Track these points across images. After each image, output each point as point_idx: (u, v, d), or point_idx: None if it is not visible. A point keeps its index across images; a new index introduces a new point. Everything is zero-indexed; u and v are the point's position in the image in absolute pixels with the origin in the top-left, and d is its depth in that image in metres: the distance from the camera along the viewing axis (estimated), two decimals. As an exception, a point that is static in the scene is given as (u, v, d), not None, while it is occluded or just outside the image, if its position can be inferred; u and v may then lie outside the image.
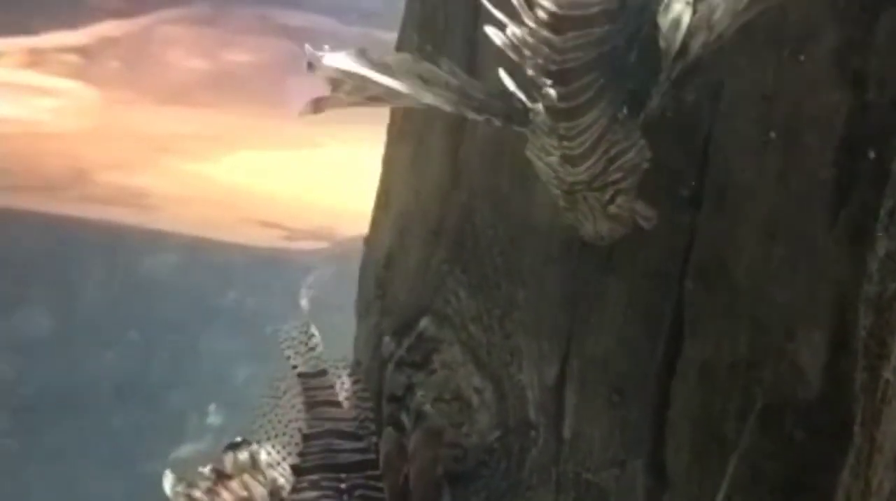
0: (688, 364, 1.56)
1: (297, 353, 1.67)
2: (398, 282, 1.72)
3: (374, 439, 1.64)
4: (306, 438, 1.63)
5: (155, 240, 4.57)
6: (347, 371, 1.68)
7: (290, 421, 1.66)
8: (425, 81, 1.48)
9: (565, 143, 1.43)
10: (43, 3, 5.74)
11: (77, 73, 5.55)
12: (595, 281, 1.61)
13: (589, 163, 1.44)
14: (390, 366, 1.70)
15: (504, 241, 1.65)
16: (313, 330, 1.66)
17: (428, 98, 1.47)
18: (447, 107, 1.48)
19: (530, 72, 1.41)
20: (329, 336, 1.71)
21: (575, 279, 1.62)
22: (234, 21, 5.92)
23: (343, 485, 1.61)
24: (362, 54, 1.46)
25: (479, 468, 1.66)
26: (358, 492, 1.61)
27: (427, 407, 1.68)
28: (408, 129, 1.71)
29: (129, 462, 3.59)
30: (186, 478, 1.62)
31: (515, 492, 1.65)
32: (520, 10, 1.39)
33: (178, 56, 5.80)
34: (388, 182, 1.75)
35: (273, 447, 1.65)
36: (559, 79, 1.40)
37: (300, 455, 1.63)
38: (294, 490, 1.62)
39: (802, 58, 1.49)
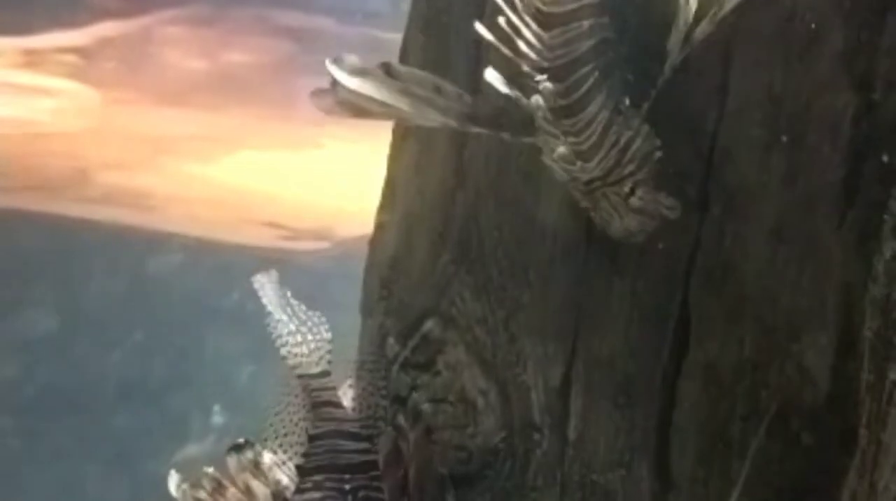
0: (693, 365, 1.56)
1: (295, 354, 1.67)
2: (403, 283, 1.72)
3: (392, 439, 1.63)
4: (310, 439, 1.63)
5: (157, 241, 4.57)
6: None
7: (295, 422, 1.65)
8: (431, 98, 1.49)
9: (572, 140, 1.43)
10: (41, 3, 5.74)
11: (76, 74, 5.55)
12: (601, 283, 1.61)
13: (600, 156, 1.45)
14: (395, 367, 1.70)
15: (509, 243, 1.65)
16: (322, 329, 1.66)
17: (434, 115, 1.48)
18: (453, 124, 1.49)
19: (526, 68, 1.42)
20: (333, 336, 1.71)
21: (580, 281, 1.62)
22: (233, 21, 5.92)
23: (347, 486, 1.60)
24: (366, 73, 1.48)
25: (484, 469, 1.66)
26: (362, 493, 1.60)
27: (425, 407, 1.68)
28: (413, 130, 1.70)
29: (133, 462, 3.59)
30: (191, 478, 1.62)
31: (520, 494, 1.65)
32: (507, 9, 1.40)
33: (177, 56, 5.79)
34: (393, 182, 1.74)
35: (278, 447, 1.64)
36: (554, 75, 1.41)
37: (304, 455, 1.63)
38: (298, 490, 1.61)
39: (808, 61, 1.49)
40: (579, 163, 1.44)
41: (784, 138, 1.51)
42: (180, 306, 4.20)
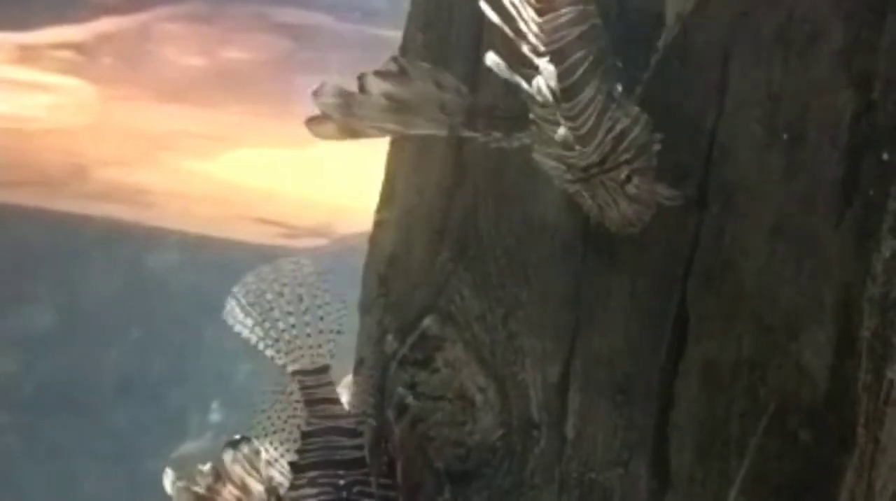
0: (692, 364, 1.56)
1: (287, 351, 1.66)
2: (402, 280, 1.72)
3: (380, 436, 1.63)
4: (305, 435, 1.63)
5: (155, 237, 4.57)
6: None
7: (288, 418, 1.65)
8: (429, 94, 1.51)
9: (570, 124, 1.44)
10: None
11: (73, 70, 5.55)
12: (599, 281, 1.61)
13: (597, 141, 1.46)
14: (393, 364, 1.70)
15: (508, 240, 1.65)
16: (327, 322, 1.65)
17: (425, 123, 1.52)
18: (442, 132, 1.52)
19: (526, 50, 1.43)
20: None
21: (579, 278, 1.62)
22: (230, 18, 5.92)
23: (342, 482, 1.60)
24: (349, 96, 1.52)
25: (482, 467, 1.66)
26: (356, 489, 1.60)
27: (410, 400, 1.68)
28: (412, 127, 1.70)
29: (130, 458, 3.59)
30: (187, 475, 1.62)
31: (518, 491, 1.65)
32: None
33: (175, 53, 5.79)
34: (392, 180, 1.74)
35: (271, 444, 1.64)
36: (550, 59, 1.42)
37: (298, 451, 1.63)
38: (292, 486, 1.61)
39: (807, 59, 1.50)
40: (577, 148, 1.45)
41: (783, 136, 1.51)
42: (178, 302, 4.21)
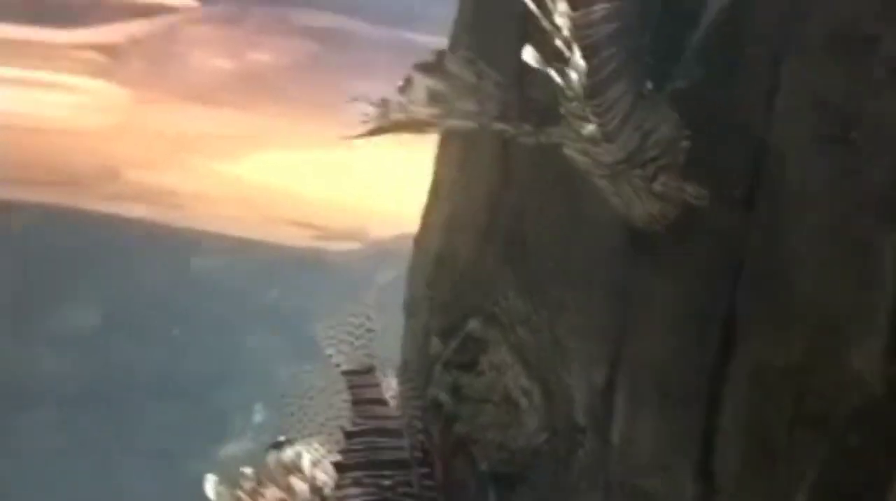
0: (739, 368, 1.55)
1: (340, 351, 1.66)
2: (447, 282, 1.71)
3: (420, 437, 1.63)
4: (350, 435, 1.63)
5: (190, 239, 4.58)
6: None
7: (332, 418, 1.65)
8: (473, 87, 1.51)
9: (597, 121, 1.45)
10: (66, 2, 5.76)
11: (102, 72, 5.57)
12: (645, 284, 1.60)
13: (624, 137, 1.46)
14: (438, 367, 1.70)
15: (554, 243, 1.64)
16: (367, 324, 1.65)
17: (452, 121, 1.52)
18: (472, 126, 1.52)
19: (559, 44, 1.43)
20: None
21: (625, 281, 1.61)
22: (256, 21, 5.94)
23: (386, 483, 1.60)
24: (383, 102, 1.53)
25: (526, 470, 1.65)
26: (401, 490, 1.60)
27: (445, 399, 1.67)
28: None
29: (173, 458, 3.60)
30: (229, 478, 1.62)
31: (562, 495, 1.64)
32: None
33: (202, 55, 5.81)
34: (438, 181, 1.74)
35: (316, 444, 1.64)
36: (581, 54, 1.43)
37: (343, 452, 1.63)
38: (337, 486, 1.61)
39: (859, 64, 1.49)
40: (604, 145, 1.45)
41: (833, 141, 1.50)
42: (218, 304, 4.21)
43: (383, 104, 1.55)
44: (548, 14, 1.43)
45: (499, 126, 1.53)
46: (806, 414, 1.52)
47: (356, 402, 1.63)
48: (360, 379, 1.64)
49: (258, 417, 3.71)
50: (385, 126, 1.56)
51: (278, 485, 1.59)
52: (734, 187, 1.54)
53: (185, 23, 5.90)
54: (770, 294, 1.53)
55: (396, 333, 1.77)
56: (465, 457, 1.65)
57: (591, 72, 1.43)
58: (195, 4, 5.93)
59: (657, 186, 1.48)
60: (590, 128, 1.44)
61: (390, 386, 1.69)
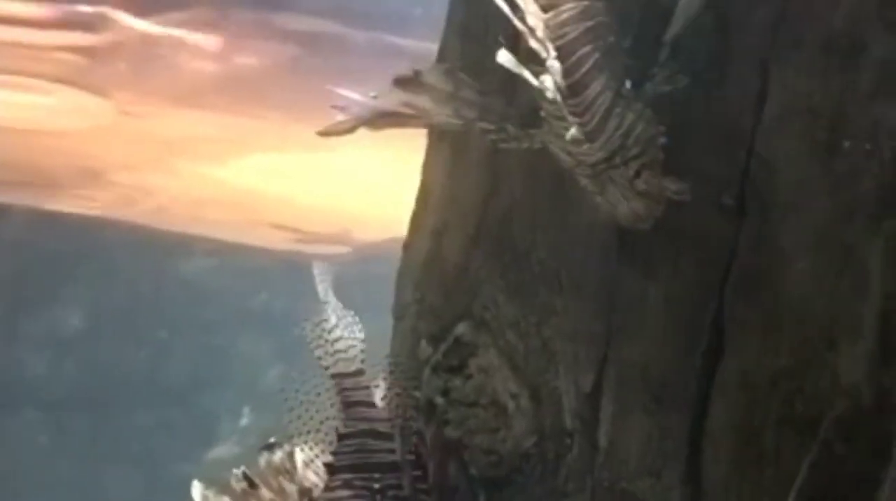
0: (727, 373, 1.56)
1: (327, 352, 1.66)
2: (436, 287, 1.72)
3: (409, 440, 1.63)
4: (341, 437, 1.63)
5: (173, 242, 4.57)
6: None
7: (323, 420, 1.65)
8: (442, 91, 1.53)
9: (577, 120, 1.46)
10: (47, 3, 5.73)
11: (80, 74, 5.54)
12: (634, 289, 1.60)
13: (604, 137, 1.48)
14: (427, 370, 1.70)
15: (542, 248, 1.65)
16: (355, 327, 1.66)
17: (439, 117, 1.52)
18: (456, 122, 1.53)
19: (534, 45, 1.44)
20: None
21: (613, 286, 1.62)
22: (237, 25, 5.92)
23: (376, 485, 1.60)
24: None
25: (515, 473, 1.66)
26: (391, 493, 1.60)
27: (439, 401, 1.68)
28: (448, 134, 1.70)
29: (158, 461, 3.59)
30: (217, 482, 1.62)
31: (551, 498, 1.65)
32: None
33: (184, 59, 5.79)
34: (427, 186, 1.75)
35: (307, 445, 1.64)
36: (556, 55, 1.44)
37: (334, 453, 1.63)
38: (327, 488, 1.61)
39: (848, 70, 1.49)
40: (586, 145, 1.46)
41: (821, 148, 1.51)
42: (203, 307, 4.20)
43: (361, 104, 1.55)
44: (520, 16, 1.45)
45: (482, 125, 1.54)
46: (793, 418, 1.53)
47: (346, 404, 1.63)
48: (349, 381, 1.64)
49: (245, 420, 3.70)
50: (365, 120, 1.56)
51: (270, 487, 1.59)
52: (724, 193, 1.55)
53: (168, 26, 5.88)
54: (758, 299, 1.54)
55: (384, 336, 1.78)
56: (455, 460, 1.65)
57: (566, 72, 1.44)
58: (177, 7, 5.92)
59: (640, 185, 1.49)
60: (571, 131, 1.45)
61: (379, 389, 1.69)
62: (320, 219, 4.77)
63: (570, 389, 1.64)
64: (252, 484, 1.59)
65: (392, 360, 1.70)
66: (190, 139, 5.22)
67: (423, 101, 1.53)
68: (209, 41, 5.82)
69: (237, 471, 1.61)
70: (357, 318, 1.67)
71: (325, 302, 1.67)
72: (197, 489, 1.61)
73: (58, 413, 4.03)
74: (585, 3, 1.47)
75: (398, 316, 1.75)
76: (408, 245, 1.76)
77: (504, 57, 1.44)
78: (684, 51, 1.51)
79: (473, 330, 1.68)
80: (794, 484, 1.52)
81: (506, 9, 1.44)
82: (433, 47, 1.77)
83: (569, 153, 1.50)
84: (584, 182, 1.51)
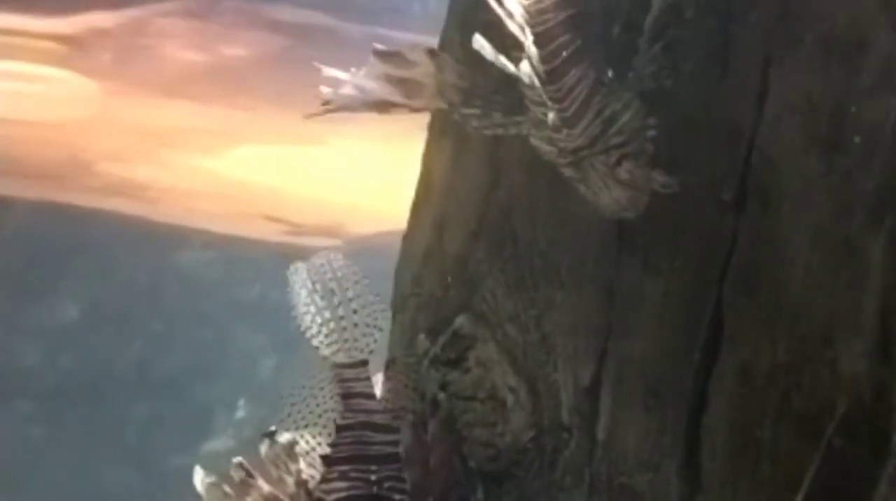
0: (725, 368, 1.56)
1: (328, 344, 1.65)
2: (435, 280, 1.72)
3: (421, 434, 1.63)
4: (339, 429, 1.62)
5: (167, 233, 4.56)
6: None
7: (321, 412, 1.65)
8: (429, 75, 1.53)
9: (557, 107, 1.46)
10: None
11: (67, 63, 5.52)
12: (633, 283, 1.61)
13: (584, 123, 1.48)
14: (425, 363, 1.70)
15: (542, 241, 1.65)
16: (373, 317, 1.65)
17: (423, 100, 1.53)
18: (444, 107, 1.53)
19: (512, 30, 1.45)
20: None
21: (613, 280, 1.62)
22: (224, 15, 5.91)
23: (373, 477, 1.60)
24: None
25: (513, 467, 1.66)
26: (387, 484, 1.60)
27: (442, 397, 1.68)
28: (449, 127, 1.70)
29: (153, 452, 3.59)
30: (216, 472, 1.62)
31: (548, 493, 1.65)
32: None
33: (172, 49, 5.77)
34: (427, 179, 1.75)
35: (305, 436, 1.64)
36: (535, 42, 1.44)
37: (331, 445, 1.62)
38: (323, 479, 1.61)
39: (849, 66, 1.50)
40: (565, 131, 1.47)
41: (822, 143, 1.51)
42: (198, 299, 4.19)
43: (344, 85, 1.55)
44: (500, 1, 1.45)
45: (468, 111, 1.54)
46: (792, 413, 1.53)
47: (346, 396, 1.63)
48: (351, 372, 1.63)
49: (240, 412, 3.70)
50: (349, 104, 1.56)
51: (269, 476, 1.59)
52: (724, 189, 1.55)
53: (152, 16, 5.87)
54: (758, 294, 1.54)
55: (381, 328, 1.77)
56: (457, 453, 1.65)
57: (546, 57, 1.44)
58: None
59: (622, 173, 1.49)
60: (550, 115, 1.46)
61: (378, 381, 1.69)
62: (312, 211, 4.76)
63: (568, 383, 1.64)
64: (251, 474, 1.59)
65: (389, 353, 1.69)
66: (180, 130, 5.20)
67: (406, 74, 1.53)
68: (198, 31, 5.81)
69: (237, 460, 1.60)
70: (379, 306, 1.65)
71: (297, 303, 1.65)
72: (198, 475, 1.61)
73: (51, 404, 4.02)
74: None
75: (397, 308, 1.75)
76: (407, 237, 1.76)
77: (479, 43, 1.46)
78: (677, 42, 1.52)
79: (472, 324, 1.68)
80: (798, 483, 1.53)
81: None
82: (430, 41, 1.76)
83: (550, 141, 1.50)
84: (566, 171, 1.51)
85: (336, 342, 1.63)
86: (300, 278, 1.66)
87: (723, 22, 1.54)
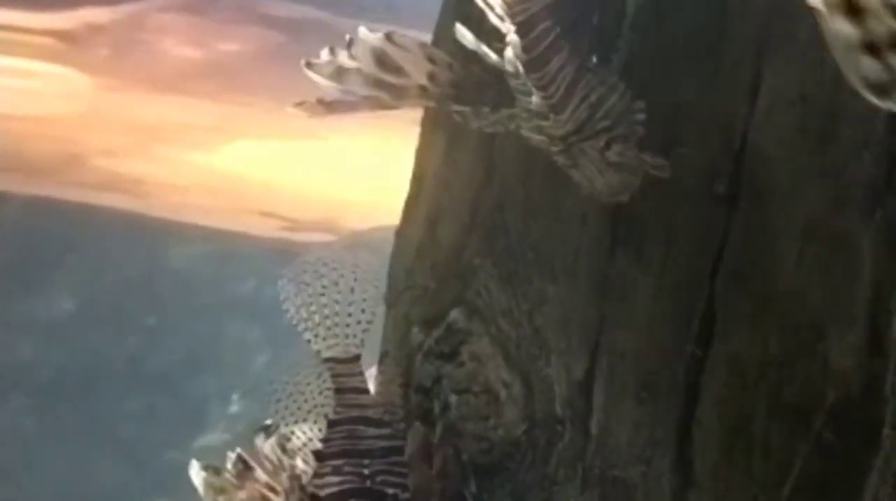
0: (717, 361, 1.56)
1: (320, 338, 1.66)
2: (429, 274, 1.72)
3: (400, 426, 1.63)
4: (331, 424, 1.63)
5: (161, 228, 4.56)
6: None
7: (314, 407, 1.65)
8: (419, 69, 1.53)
9: (542, 94, 1.47)
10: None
11: (63, 58, 5.52)
12: (626, 277, 1.61)
13: (570, 108, 1.49)
14: (419, 357, 1.70)
15: (536, 236, 1.65)
16: (363, 312, 1.65)
17: (409, 98, 1.53)
18: (430, 104, 1.54)
19: (493, 19, 1.46)
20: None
21: (606, 274, 1.62)
22: (221, 11, 5.91)
23: (366, 471, 1.60)
24: (344, 70, 1.53)
25: (505, 461, 1.66)
26: (380, 478, 1.60)
27: (452, 399, 1.68)
28: (442, 121, 1.70)
29: (146, 447, 3.59)
30: (213, 465, 1.62)
31: (541, 486, 1.65)
32: None
33: (167, 44, 5.77)
34: (421, 173, 1.75)
35: (298, 430, 1.64)
36: (517, 31, 1.45)
37: (324, 440, 1.63)
38: (316, 474, 1.61)
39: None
40: (552, 117, 1.48)
41: (814, 136, 1.51)
42: (192, 293, 4.20)
43: (336, 72, 1.54)
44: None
45: (457, 106, 1.54)
46: (784, 406, 1.53)
47: (338, 390, 1.63)
48: (343, 367, 1.63)
49: (234, 407, 3.70)
50: (341, 106, 1.56)
51: (265, 469, 1.59)
52: (716, 181, 1.55)
53: (147, 11, 5.87)
54: (750, 288, 1.55)
55: (375, 323, 1.77)
56: (448, 447, 1.66)
57: (528, 46, 1.45)
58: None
59: (612, 156, 1.50)
60: (536, 101, 1.46)
61: (371, 376, 1.69)
62: (307, 206, 4.77)
63: (561, 377, 1.64)
64: (249, 466, 1.59)
65: (383, 347, 1.70)
66: (175, 125, 5.21)
67: (389, 50, 1.53)
68: (193, 27, 5.81)
69: (233, 453, 1.61)
70: (371, 301, 1.66)
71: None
72: (195, 468, 1.61)
73: (44, 398, 4.02)
74: None
75: (390, 302, 1.76)
76: (401, 232, 1.76)
77: (461, 33, 1.47)
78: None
79: (466, 318, 1.68)
80: (785, 474, 1.53)
81: None
82: (422, 36, 1.76)
83: (539, 129, 1.51)
84: (558, 159, 1.52)
85: (328, 337, 1.64)
86: (293, 272, 1.66)
87: (716, 14, 1.55)
